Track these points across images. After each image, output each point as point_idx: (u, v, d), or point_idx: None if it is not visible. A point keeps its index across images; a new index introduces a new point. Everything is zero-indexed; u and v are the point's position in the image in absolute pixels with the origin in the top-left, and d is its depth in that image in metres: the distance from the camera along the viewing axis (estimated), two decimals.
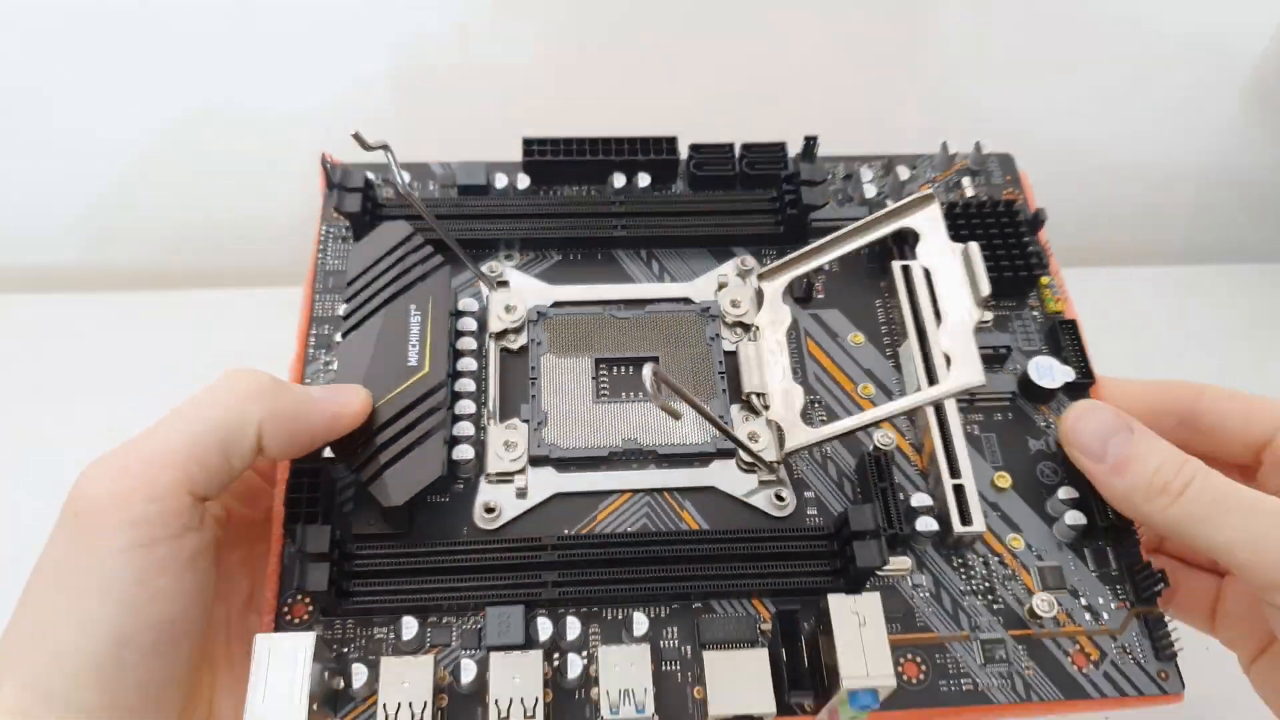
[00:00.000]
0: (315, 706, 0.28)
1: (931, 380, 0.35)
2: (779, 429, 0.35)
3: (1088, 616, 0.33)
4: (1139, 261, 0.66)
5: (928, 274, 0.35)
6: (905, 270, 0.38)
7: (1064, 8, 0.59)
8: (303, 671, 0.28)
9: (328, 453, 0.33)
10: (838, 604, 0.29)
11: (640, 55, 0.58)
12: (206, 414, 0.29)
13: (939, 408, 0.35)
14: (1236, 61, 0.62)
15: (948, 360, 0.32)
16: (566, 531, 0.34)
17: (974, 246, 0.33)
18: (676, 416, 0.29)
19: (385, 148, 0.32)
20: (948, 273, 0.33)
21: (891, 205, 0.35)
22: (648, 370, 0.27)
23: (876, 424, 0.34)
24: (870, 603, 0.29)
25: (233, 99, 0.58)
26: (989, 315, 0.38)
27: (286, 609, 0.32)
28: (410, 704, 0.29)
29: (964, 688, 0.32)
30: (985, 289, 0.32)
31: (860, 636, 0.28)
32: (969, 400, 0.37)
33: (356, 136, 0.31)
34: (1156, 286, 0.65)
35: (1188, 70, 0.61)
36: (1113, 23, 0.59)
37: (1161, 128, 0.64)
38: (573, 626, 0.31)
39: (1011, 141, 0.55)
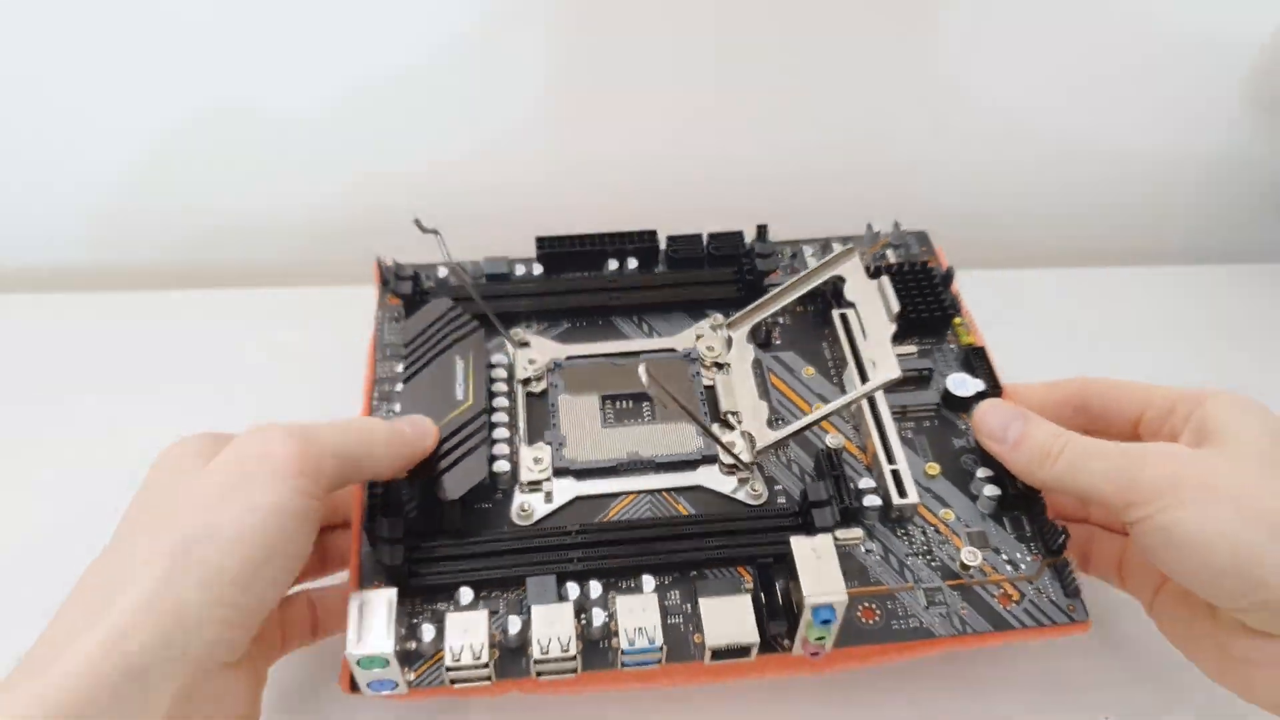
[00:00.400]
0: (397, 650, 0.36)
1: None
2: (750, 437, 0.44)
3: (1009, 568, 0.41)
4: (1139, 261, 0.66)
5: (854, 306, 0.44)
6: (843, 317, 0.49)
7: (1064, 7, 0.58)
8: (389, 614, 0.35)
9: None
10: (799, 542, 0.37)
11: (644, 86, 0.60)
12: (355, 448, 0.37)
13: (878, 416, 0.45)
14: (1237, 60, 0.61)
15: (874, 366, 0.42)
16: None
17: (885, 279, 0.43)
18: (665, 405, 0.38)
19: (436, 233, 0.43)
20: (868, 301, 0.43)
21: (824, 259, 0.45)
22: (643, 368, 0.37)
23: (828, 417, 0.43)
24: (824, 541, 0.37)
25: (233, 99, 0.58)
26: (905, 353, 0.48)
27: None
28: (472, 645, 0.37)
29: (912, 625, 0.40)
30: (895, 307, 0.42)
31: (817, 565, 0.36)
32: (901, 411, 0.46)
33: (417, 222, 0.42)
34: (1156, 286, 0.65)
35: (1188, 70, 0.61)
36: (1113, 21, 0.58)
37: (1162, 127, 0.64)
38: (595, 589, 0.39)
39: (1011, 141, 0.60)
